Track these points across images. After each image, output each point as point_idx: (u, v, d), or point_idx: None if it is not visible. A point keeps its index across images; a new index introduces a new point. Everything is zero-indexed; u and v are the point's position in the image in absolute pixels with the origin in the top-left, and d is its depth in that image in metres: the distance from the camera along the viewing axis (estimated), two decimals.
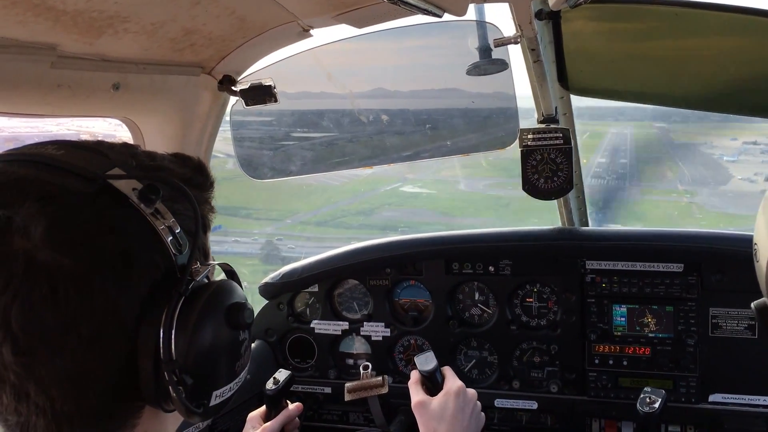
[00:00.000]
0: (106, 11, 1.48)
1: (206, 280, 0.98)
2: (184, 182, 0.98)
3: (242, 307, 1.00)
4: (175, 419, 1.04)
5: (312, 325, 3.09)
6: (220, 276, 1.10)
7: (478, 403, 2.18)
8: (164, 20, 1.65)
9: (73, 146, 0.95)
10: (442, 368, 2.28)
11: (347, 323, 3.06)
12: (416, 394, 2.18)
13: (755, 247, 0.99)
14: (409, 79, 2.38)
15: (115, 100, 1.83)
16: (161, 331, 0.88)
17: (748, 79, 1.93)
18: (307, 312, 3.14)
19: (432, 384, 2.21)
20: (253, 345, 3.07)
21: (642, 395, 2.25)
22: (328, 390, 3.06)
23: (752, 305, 1.08)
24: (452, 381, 2.17)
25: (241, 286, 1.07)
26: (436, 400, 2.11)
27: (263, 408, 2.40)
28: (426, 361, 2.25)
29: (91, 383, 0.86)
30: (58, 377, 0.83)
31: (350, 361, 3.11)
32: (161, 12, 1.60)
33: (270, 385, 2.39)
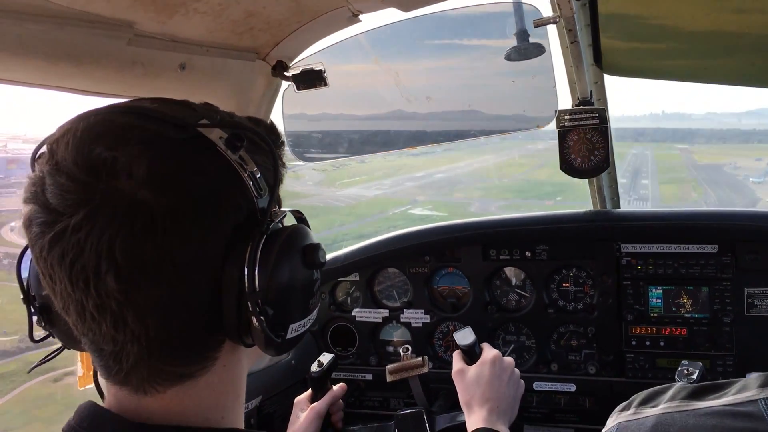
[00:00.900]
0: None
1: (281, 225, 1.08)
2: (259, 137, 1.09)
3: (317, 247, 1.09)
4: (249, 359, 1.13)
5: (353, 314, 3.18)
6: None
7: (516, 371, 2.28)
8: (229, 2, 1.77)
9: (166, 101, 1.06)
10: (481, 344, 2.37)
11: (387, 311, 3.15)
12: (456, 363, 2.29)
13: None
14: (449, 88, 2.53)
15: (181, 80, 1.95)
16: (245, 265, 0.96)
17: None
18: (348, 301, 3.24)
19: (470, 357, 2.31)
20: None
21: (680, 368, 2.31)
22: (369, 377, 3.14)
23: None
24: (488, 351, 2.29)
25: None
26: (474, 368, 2.23)
27: (309, 392, 2.50)
28: (464, 336, 2.36)
29: (182, 312, 0.95)
30: (153, 305, 0.92)
31: (390, 348, 3.19)
32: None
33: (315, 367, 2.49)
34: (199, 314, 0.97)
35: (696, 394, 1.05)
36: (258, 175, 1.02)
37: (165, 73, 1.89)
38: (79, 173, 0.91)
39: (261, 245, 0.98)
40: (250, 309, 0.97)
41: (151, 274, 0.91)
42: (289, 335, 1.05)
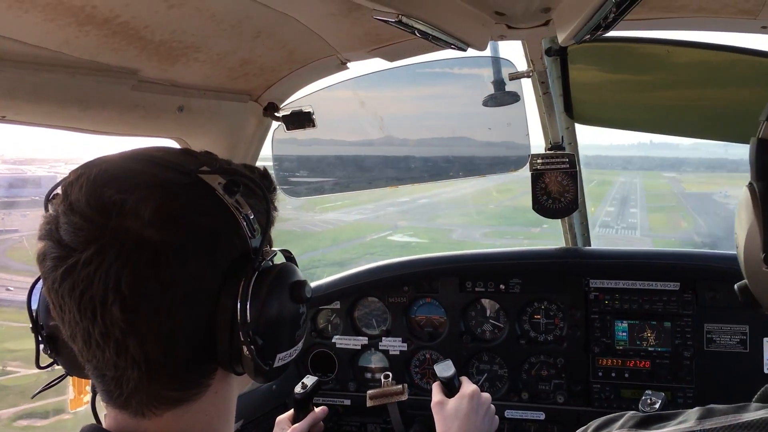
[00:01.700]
0: (184, 41, 1.75)
1: (271, 263, 1.18)
2: (254, 183, 1.20)
3: (303, 284, 1.19)
4: (239, 386, 1.23)
5: (333, 340, 3.29)
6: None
7: (492, 406, 2.38)
8: (228, 51, 1.91)
9: (170, 150, 1.18)
10: (460, 378, 2.49)
11: (366, 338, 3.26)
12: (436, 395, 2.40)
13: (735, 236, 1.19)
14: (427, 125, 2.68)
15: (178, 121, 2.08)
16: (238, 299, 1.06)
17: (731, 108, 2.19)
18: (329, 328, 3.35)
19: (449, 389, 2.42)
20: None
21: (643, 397, 2.45)
22: (347, 402, 3.24)
23: (735, 286, 1.27)
24: (467, 385, 2.38)
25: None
26: (453, 401, 2.32)
27: (291, 412, 2.59)
28: (445, 368, 2.47)
29: (179, 340, 1.05)
30: (154, 333, 1.02)
31: (369, 375, 3.30)
32: (228, 43, 1.86)
33: (298, 389, 2.57)
34: (195, 342, 1.06)
35: (643, 423, 1.15)
36: (251, 217, 1.12)
37: (164, 115, 2.01)
38: (91, 213, 1.00)
39: (253, 281, 1.08)
40: (242, 339, 1.06)
41: (153, 305, 1.00)
42: (276, 364, 1.14)
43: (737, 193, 1.20)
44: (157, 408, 1.08)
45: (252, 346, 1.07)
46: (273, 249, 1.23)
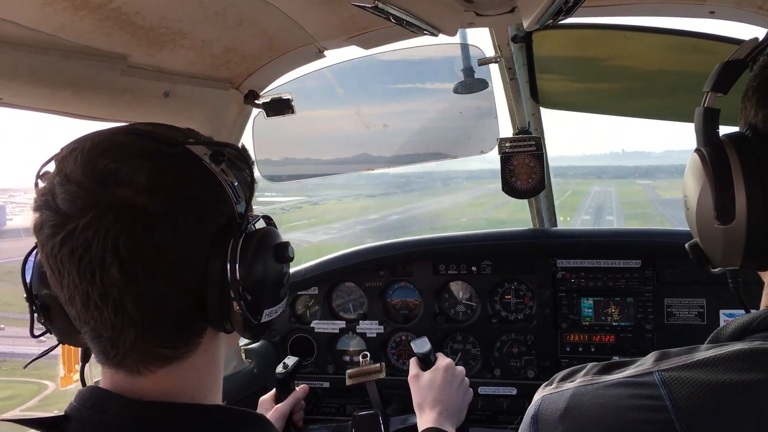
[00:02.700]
0: (172, 27, 1.84)
1: (254, 228, 1.27)
2: (234, 157, 1.28)
3: (286, 245, 1.29)
4: (227, 344, 1.31)
5: (312, 325, 3.39)
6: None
7: (466, 379, 2.49)
8: (212, 38, 2.01)
9: (157, 125, 1.26)
10: (436, 353, 2.60)
11: (344, 322, 3.37)
12: (412, 369, 2.50)
13: (685, 198, 1.30)
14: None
15: (164, 107, 2.16)
16: (227, 260, 1.15)
17: (687, 89, 2.35)
18: (307, 313, 3.45)
19: (425, 364, 2.52)
20: (257, 344, 3.35)
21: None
22: (326, 384, 3.34)
23: (686, 245, 1.40)
24: (442, 359, 2.49)
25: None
26: (428, 374, 2.43)
27: (273, 392, 2.67)
28: (421, 344, 2.57)
29: (174, 300, 1.12)
30: (149, 293, 1.09)
31: (347, 358, 3.41)
32: (212, 30, 1.96)
33: (280, 369, 2.65)
34: (188, 301, 1.14)
35: (604, 370, 1.24)
36: (236, 184, 1.21)
37: (151, 100, 2.10)
38: (87, 182, 1.06)
39: (240, 243, 1.16)
40: (232, 296, 1.15)
41: (150, 267, 1.08)
42: (263, 319, 1.23)
43: None
44: (151, 365, 1.15)
45: (241, 302, 1.15)
46: (256, 215, 1.33)
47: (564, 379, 1.28)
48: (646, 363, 1.17)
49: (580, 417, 1.14)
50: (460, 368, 2.49)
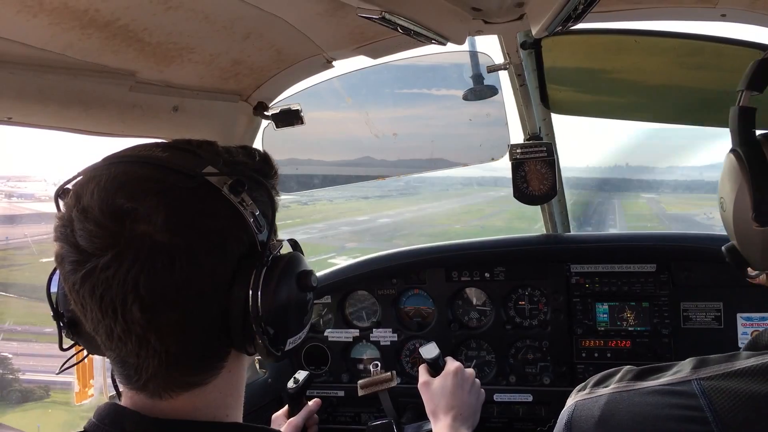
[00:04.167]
0: (179, 43, 1.84)
1: (279, 253, 1.24)
2: (256, 172, 1.26)
3: (309, 273, 1.27)
4: (249, 359, 1.30)
5: (326, 334, 3.38)
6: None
7: (477, 381, 2.47)
8: (220, 51, 2.01)
9: (173, 148, 1.22)
10: (444, 357, 2.58)
11: (358, 331, 3.36)
12: (422, 376, 2.49)
13: (721, 200, 1.27)
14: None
15: (172, 121, 2.17)
16: (249, 291, 1.13)
17: (700, 93, 2.33)
18: (321, 322, 3.44)
19: (435, 369, 2.51)
20: None
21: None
22: (341, 393, 3.33)
23: (723, 248, 1.35)
24: (451, 363, 2.47)
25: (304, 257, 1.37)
26: (438, 380, 2.41)
27: (285, 408, 2.67)
28: (429, 350, 2.56)
29: (196, 332, 1.12)
30: (172, 327, 1.09)
31: (361, 366, 3.39)
32: (220, 44, 1.96)
33: (291, 384, 2.64)
34: (211, 332, 1.14)
35: (640, 376, 1.22)
36: (257, 212, 1.18)
37: (160, 115, 2.11)
38: (105, 221, 1.04)
39: (263, 274, 1.15)
40: (254, 329, 1.13)
41: (170, 302, 1.07)
42: (287, 348, 1.23)
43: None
44: (174, 391, 1.15)
45: (264, 335, 1.14)
46: (279, 240, 1.29)
47: (598, 384, 1.26)
48: (684, 370, 1.15)
49: (616, 426, 1.12)
50: (470, 370, 2.47)
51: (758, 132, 1.18)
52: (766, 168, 1.11)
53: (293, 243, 1.35)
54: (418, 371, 2.57)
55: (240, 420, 1.29)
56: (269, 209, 1.23)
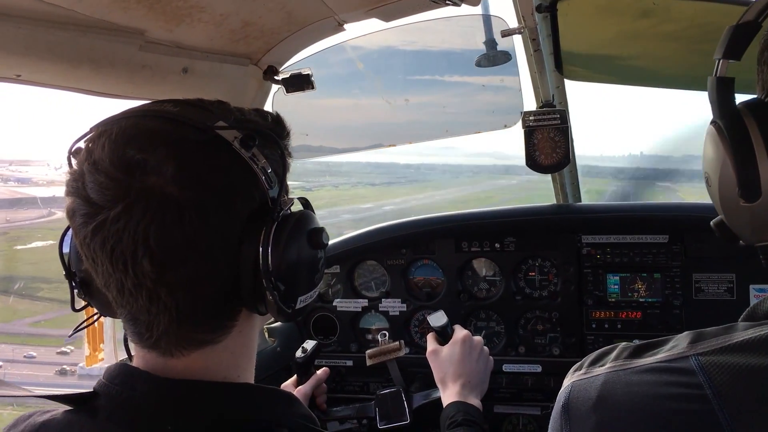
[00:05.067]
0: (189, 1, 1.81)
1: (290, 211, 1.24)
2: (268, 131, 1.24)
3: (320, 230, 1.26)
4: (261, 322, 1.30)
5: (334, 304, 3.38)
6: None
7: (485, 348, 2.48)
8: (230, 12, 1.97)
9: (185, 103, 1.21)
10: (453, 325, 2.58)
11: (366, 301, 3.35)
12: (430, 344, 2.49)
13: (706, 175, 1.21)
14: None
15: (182, 83, 2.14)
16: (260, 248, 1.12)
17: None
18: (330, 292, 3.43)
19: (443, 337, 2.51)
20: (280, 323, 3.35)
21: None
22: (350, 363, 3.33)
23: (711, 223, 1.31)
24: (459, 331, 2.48)
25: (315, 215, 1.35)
26: (446, 348, 2.42)
27: (294, 377, 2.68)
28: (437, 318, 2.56)
29: (206, 288, 1.11)
30: (182, 282, 1.08)
31: (370, 336, 3.40)
32: (230, 4, 1.92)
33: (299, 354, 2.66)
34: (221, 289, 1.13)
35: (636, 353, 1.18)
36: (268, 170, 1.17)
37: (169, 77, 2.07)
38: (116, 172, 1.05)
39: (273, 230, 1.14)
40: (265, 285, 1.12)
41: (180, 257, 1.07)
42: (297, 306, 1.22)
43: None
44: (185, 348, 1.15)
45: (275, 292, 1.13)
46: (291, 197, 1.29)
47: (594, 363, 1.22)
48: (680, 344, 1.10)
49: (614, 407, 1.09)
50: (478, 338, 2.48)
51: (739, 100, 1.12)
52: (748, 140, 1.05)
53: (304, 201, 1.34)
54: (426, 341, 2.57)
55: (251, 382, 1.29)
56: (280, 167, 1.22)
